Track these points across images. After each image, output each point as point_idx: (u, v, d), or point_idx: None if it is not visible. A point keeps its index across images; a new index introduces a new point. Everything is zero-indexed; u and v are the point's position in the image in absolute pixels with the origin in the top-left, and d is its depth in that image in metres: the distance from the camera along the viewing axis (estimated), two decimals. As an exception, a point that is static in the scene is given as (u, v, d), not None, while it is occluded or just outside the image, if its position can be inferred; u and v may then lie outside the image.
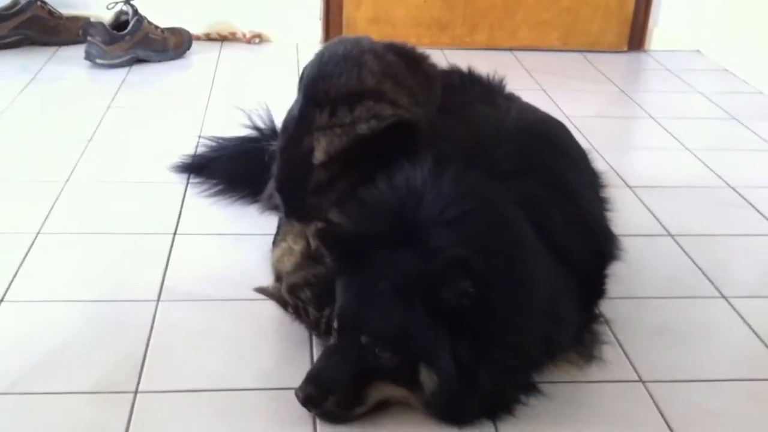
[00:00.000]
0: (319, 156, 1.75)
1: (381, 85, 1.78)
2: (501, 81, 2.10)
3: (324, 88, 1.78)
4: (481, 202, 1.55)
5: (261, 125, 2.40)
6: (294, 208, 1.86)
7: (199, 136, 2.64)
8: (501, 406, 1.53)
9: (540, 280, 1.54)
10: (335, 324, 1.55)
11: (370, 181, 1.63)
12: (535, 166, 1.74)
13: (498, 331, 1.45)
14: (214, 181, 2.37)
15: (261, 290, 1.80)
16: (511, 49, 3.90)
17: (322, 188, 1.76)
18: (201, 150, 2.52)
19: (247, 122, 2.41)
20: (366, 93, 1.76)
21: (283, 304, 1.74)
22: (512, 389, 1.54)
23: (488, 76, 2.14)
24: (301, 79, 1.86)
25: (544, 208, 1.67)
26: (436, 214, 1.50)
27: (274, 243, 1.96)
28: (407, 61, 1.87)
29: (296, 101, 1.86)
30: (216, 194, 2.35)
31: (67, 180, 2.41)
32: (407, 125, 1.78)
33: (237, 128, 2.46)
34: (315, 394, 1.49)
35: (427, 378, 1.46)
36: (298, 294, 1.71)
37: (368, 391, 1.50)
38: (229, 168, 2.38)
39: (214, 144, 2.49)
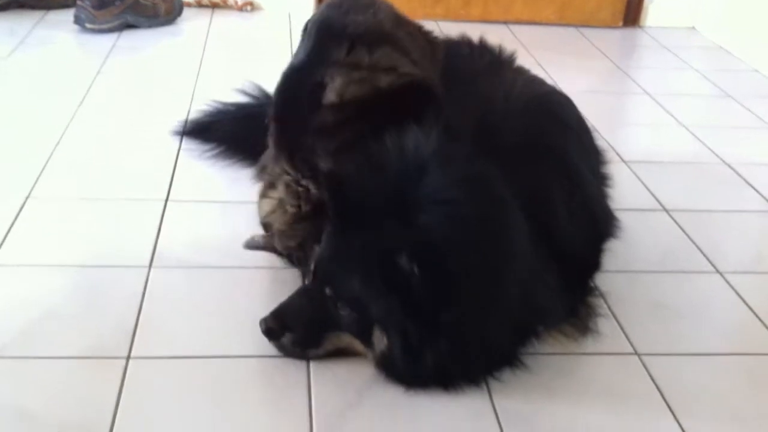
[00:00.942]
0: (330, 96, 1.68)
1: (397, 31, 1.75)
2: (512, 54, 2.07)
3: (341, 24, 1.72)
4: (481, 188, 1.54)
5: (256, 94, 2.38)
6: (287, 143, 1.77)
7: (191, 101, 2.62)
8: (458, 380, 1.53)
9: (520, 276, 1.53)
10: (312, 266, 1.59)
11: (376, 138, 1.59)
12: (541, 143, 1.73)
13: (453, 322, 1.46)
14: (212, 145, 2.34)
15: (251, 244, 1.79)
16: (506, 23, 3.87)
17: (323, 132, 1.69)
18: (199, 114, 2.49)
19: (241, 90, 2.39)
20: (384, 36, 1.72)
21: (277, 253, 1.75)
22: (473, 368, 1.53)
23: (499, 47, 2.11)
24: (305, 30, 1.81)
25: (550, 190, 1.66)
26: (434, 193, 1.48)
27: (261, 191, 1.89)
28: (418, 29, 1.86)
29: (299, 50, 1.80)
30: (213, 158, 2.32)
31: (57, 145, 2.38)
32: (424, 90, 1.74)
33: (229, 95, 2.43)
34: (274, 328, 1.56)
35: (379, 340, 1.49)
36: (292, 253, 1.73)
37: (325, 337, 1.56)
38: (229, 130, 2.35)
39: (211, 108, 2.46)
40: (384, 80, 1.70)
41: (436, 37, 1.96)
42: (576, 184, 1.75)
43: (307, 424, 1.43)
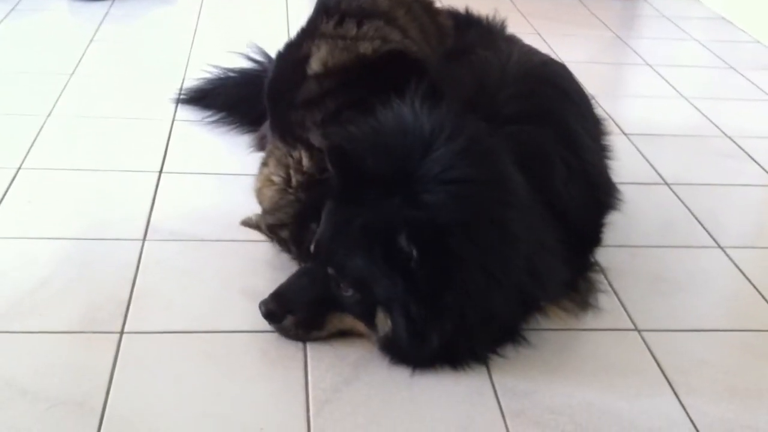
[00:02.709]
0: (314, 66, 1.68)
1: (395, 11, 1.74)
2: (501, 23, 2.04)
3: (336, 1, 1.74)
4: (488, 166, 1.51)
5: (257, 58, 2.35)
6: (278, 120, 1.77)
7: (186, 69, 2.59)
8: (465, 358, 1.50)
9: (525, 253, 1.50)
10: (312, 247, 1.55)
11: (361, 107, 1.56)
12: (540, 112, 1.71)
13: (458, 303, 1.43)
14: (211, 111, 2.32)
15: (246, 223, 1.78)
16: (505, -8, 3.82)
17: (309, 103, 1.68)
18: (198, 81, 2.46)
19: (244, 54, 2.37)
20: (377, 12, 1.72)
21: (267, 236, 1.74)
22: (479, 345, 1.51)
23: (486, 17, 2.08)
24: None
25: (548, 160, 1.64)
26: (439, 171, 1.45)
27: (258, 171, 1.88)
28: (425, 7, 1.83)
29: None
30: (210, 125, 2.30)
31: (49, 114, 2.34)
32: (413, 61, 1.71)
33: (224, 62, 2.40)
34: (276, 311, 1.52)
35: (382, 321, 1.47)
36: (277, 233, 1.70)
37: (327, 318, 1.53)
38: (231, 94, 2.32)
39: (211, 74, 2.43)
40: (367, 46, 1.68)
41: (449, 25, 1.93)
42: (576, 152, 1.73)
43: (303, 398, 1.42)
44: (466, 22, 2.09)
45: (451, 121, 1.52)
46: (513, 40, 2.04)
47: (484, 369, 1.51)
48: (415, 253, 1.39)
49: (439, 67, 1.80)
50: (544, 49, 2.98)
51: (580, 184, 1.69)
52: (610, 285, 1.76)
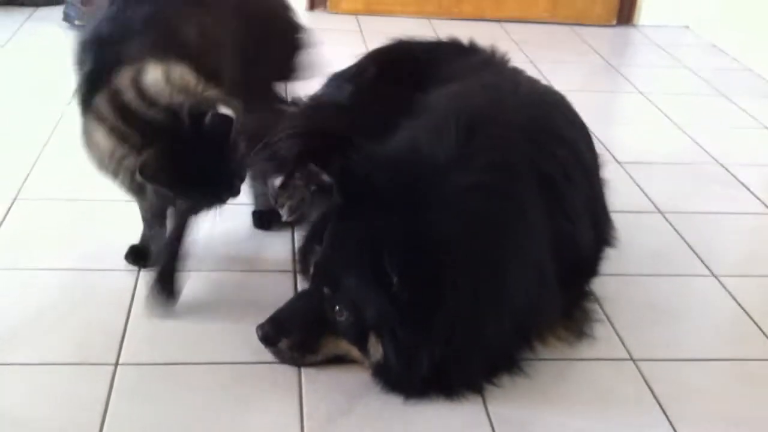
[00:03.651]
0: None
1: None
2: (504, 54, 2.06)
3: None
4: (493, 194, 1.51)
5: None
6: None
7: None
8: (459, 387, 1.50)
9: (520, 278, 1.50)
10: (311, 269, 1.56)
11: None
12: (554, 134, 1.71)
13: (446, 328, 1.42)
14: None
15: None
16: (498, 20, 3.85)
17: None
18: None
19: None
20: None
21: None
22: (473, 373, 1.51)
23: (492, 47, 2.09)
24: None
25: (561, 188, 1.64)
26: (447, 195, 1.46)
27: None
28: None
29: None
30: None
31: (45, 145, 2.35)
32: None
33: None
34: (271, 334, 1.53)
35: (374, 347, 1.46)
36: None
37: (322, 342, 1.52)
38: None
39: None
40: None
41: None
42: (588, 180, 1.74)
43: (298, 429, 1.41)
44: (467, 49, 2.10)
45: (464, 145, 1.54)
46: (517, 70, 2.05)
47: (479, 399, 1.51)
48: (395, 274, 1.38)
49: (449, 86, 1.82)
50: (536, 77, 3.00)
51: (587, 218, 1.69)
52: (605, 314, 1.77)
